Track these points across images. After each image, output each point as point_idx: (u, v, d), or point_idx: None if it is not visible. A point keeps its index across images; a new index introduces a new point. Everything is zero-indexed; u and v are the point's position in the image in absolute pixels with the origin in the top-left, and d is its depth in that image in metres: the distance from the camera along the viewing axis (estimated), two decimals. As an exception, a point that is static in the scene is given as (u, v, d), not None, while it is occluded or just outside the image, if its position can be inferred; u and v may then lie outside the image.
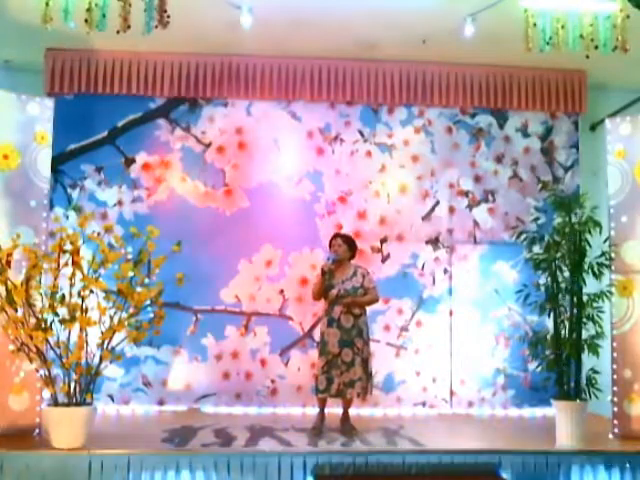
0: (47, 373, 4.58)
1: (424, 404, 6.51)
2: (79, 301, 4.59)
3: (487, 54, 6.35)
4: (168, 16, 4.54)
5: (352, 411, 5.63)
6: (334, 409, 5.37)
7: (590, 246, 5.04)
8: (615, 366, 5.14)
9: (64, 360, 4.54)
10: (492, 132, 6.87)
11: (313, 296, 5.44)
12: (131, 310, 4.68)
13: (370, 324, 6.47)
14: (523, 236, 5.24)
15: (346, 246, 5.41)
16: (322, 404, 5.34)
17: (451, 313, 6.64)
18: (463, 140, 6.84)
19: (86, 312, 4.59)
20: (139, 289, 4.67)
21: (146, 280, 4.73)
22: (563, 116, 6.91)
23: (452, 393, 6.55)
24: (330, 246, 5.46)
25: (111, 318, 4.65)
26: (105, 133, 6.58)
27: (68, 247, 4.63)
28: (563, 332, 4.97)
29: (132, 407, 6.30)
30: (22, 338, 4.54)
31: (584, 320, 4.94)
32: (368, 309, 5.40)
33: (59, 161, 6.36)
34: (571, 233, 5.03)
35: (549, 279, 5.05)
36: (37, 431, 4.91)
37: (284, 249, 6.54)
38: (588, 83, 6.77)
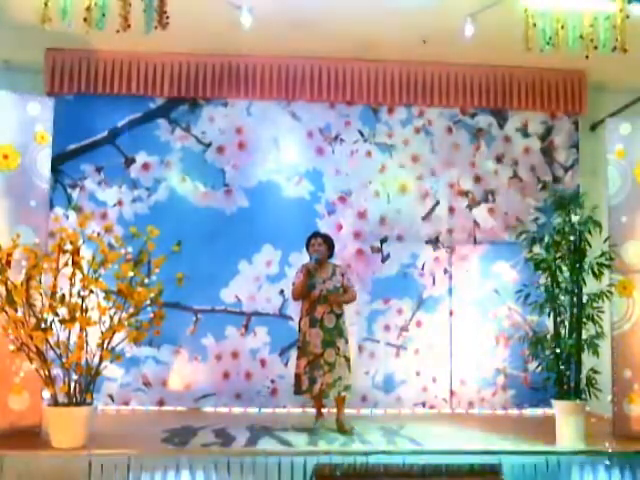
0: (47, 373, 4.58)
1: (424, 404, 6.51)
2: (79, 301, 4.59)
3: (487, 54, 6.35)
4: (167, 17, 4.55)
5: (352, 411, 5.65)
6: (333, 409, 5.36)
7: (590, 246, 5.03)
8: (615, 366, 5.14)
9: (64, 360, 4.54)
10: (492, 132, 6.87)
11: (294, 296, 5.40)
12: (131, 310, 4.69)
13: (370, 324, 6.55)
14: (523, 236, 5.24)
15: (325, 245, 5.42)
16: (319, 405, 5.34)
17: (451, 313, 6.64)
18: (463, 140, 6.84)
19: (86, 312, 4.59)
20: (139, 289, 4.67)
21: (146, 280, 4.73)
22: (563, 116, 6.91)
23: (452, 393, 6.55)
24: (309, 245, 5.45)
25: (111, 318, 4.65)
26: (105, 133, 6.58)
27: (68, 247, 4.63)
28: (563, 332, 4.97)
29: (132, 407, 6.31)
30: (22, 338, 4.54)
31: (584, 320, 4.94)
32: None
33: (59, 161, 6.36)
34: (571, 233, 5.03)
35: (549, 279, 5.05)
36: (37, 431, 4.90)
37: (284, 249, 6.54)
38: (588, 83, 6.77)
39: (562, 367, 4.89)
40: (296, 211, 6.61)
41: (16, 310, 4.54)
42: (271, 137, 6.71)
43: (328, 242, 5.46)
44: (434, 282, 6.67)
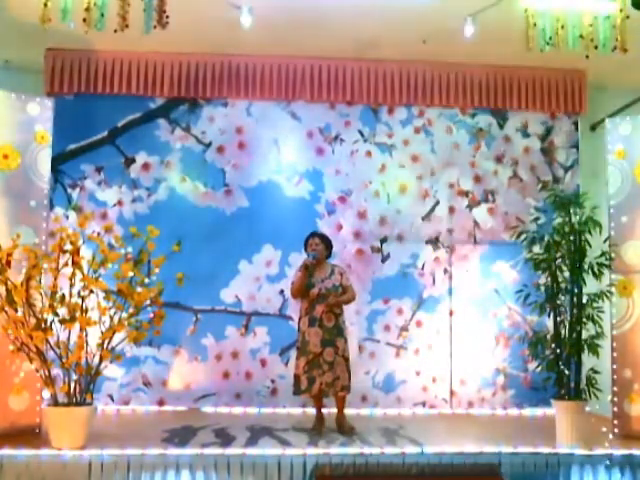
0: (47, 373, 4.58)
1: (424, 404, 6.51)
2: (79, 301, 4.59)
3: (487, 54, 6.35)
4: (167, 16, 4.55)
5: (352, 411, 5.64)
6: (333, 409, 5.36)
7: (590, 246, 5.03)
8: (615, 366, 5.14)
9: (64, 360, 4.54)
10: (492, 132, 6.87)
11: (293, 293, 5.39)
12: (131, 310, 4.69)
13: (370, 324, 6.55)
14: (523, 236, 5.23)
15: (323, 245, 5.42)
16: (319, 404, 5.34)
17: (451, 313, 6.64)
18: (463, 140, 6.84)
19: (86, 312, 4.60)
20: (139, 289, 4.67)
21: (146, 280, 4.73)
22: (563, 116, 6.91)
23: (452, 393, 6.55)
24: (307, 245, 5.45)
25: (111, 318, 4.65)
26: (105, 133, 6.58)
27: (68, 247, 4.63)
28: (563, 332, 4.97)
29: (132, 407, 6.31)
30: (22, 338, 4.54)
31: (584, 320, 4.93)
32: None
33: (59, 161, 6.36)
34: (571, 233, 5.02)
35: (549, 279, 5.04)
36: (37, 431, 4.91)
37: (284, 249, 6.54)
38: (588, 83, 6.78)
39: (562, 367, 4.89)
40: (296, 211, 6.61)
41: (16, 310, 4.54)
42: (271, 137, 6.71)
43: (325, 242, 5.46)
44: (434, 282, 6.67)
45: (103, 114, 6.55)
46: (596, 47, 4.85)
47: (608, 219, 5.28)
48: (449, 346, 6.59)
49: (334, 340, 5.19)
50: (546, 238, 5.13)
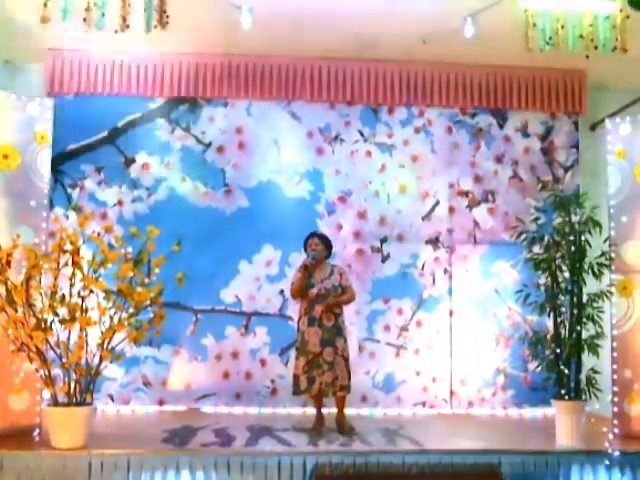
0: (47, 373, 4.57)
1: (424, 404, 6.51)
2: (79, 301, 4.58)
3: (487, 54, 6.35)
4: (167, 16, 4.56)
5: (352, 411, 5.63)
6: (333, 409, 5.36)
7: (590, 246, 5.04)
8: (615, 366, 5.14)
9: (64, 360, 4.54)
10: (492, 132, 6.87)
11: (293, 294, 5.40)
12: (131, 310, 4.68)
13: (370, 324, 6.55)
14: (523, 236, 5.24)
15: (323, 245, 5.42)
16: (319, 404, 5.34)
17: (451, 313, 6.64)
18: (463, 140, 6.84)
19: (86, 312, 4.59)
20: (139, 289, 4.66)
21: (146, 280, 4.73)
22: (563, 116, 6.91)
23: (452, 393, 6.55)
24: (307, 245, 5.46)
25: (111, 318, 4.64)
26: (105, 133, 6.58)
27: (68, 247, 4.63)
28: (563, 332, 4.97)
29: (132, 407, 6.31)
30: (22, 338, 4.53)
31: (584, 320, 4.94)
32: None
33: (59, 161, 6.36)
34: (571, 233, 5.03)
35: (549, 279, 5.05)
36: (37, 431, 4.90)
37: (284, 249, 6.54)
38: (588, 83, 6.78)
39: (562, 367, 4.89)
40: (296, 211, 6.61)
41: (16, 310, 4.53)
42: (271, 137, 6.70)
43: (325, 242, 5.47)
44: (434, 282, 6.67)
45: (103, 114, 6.55)
46: (596, 47, 4.86)
47: (608, 219, 5.28)
48: (449, 346, 6.59)
49: (333, 340, 5.19)
50: (546, 238, 5.13)
